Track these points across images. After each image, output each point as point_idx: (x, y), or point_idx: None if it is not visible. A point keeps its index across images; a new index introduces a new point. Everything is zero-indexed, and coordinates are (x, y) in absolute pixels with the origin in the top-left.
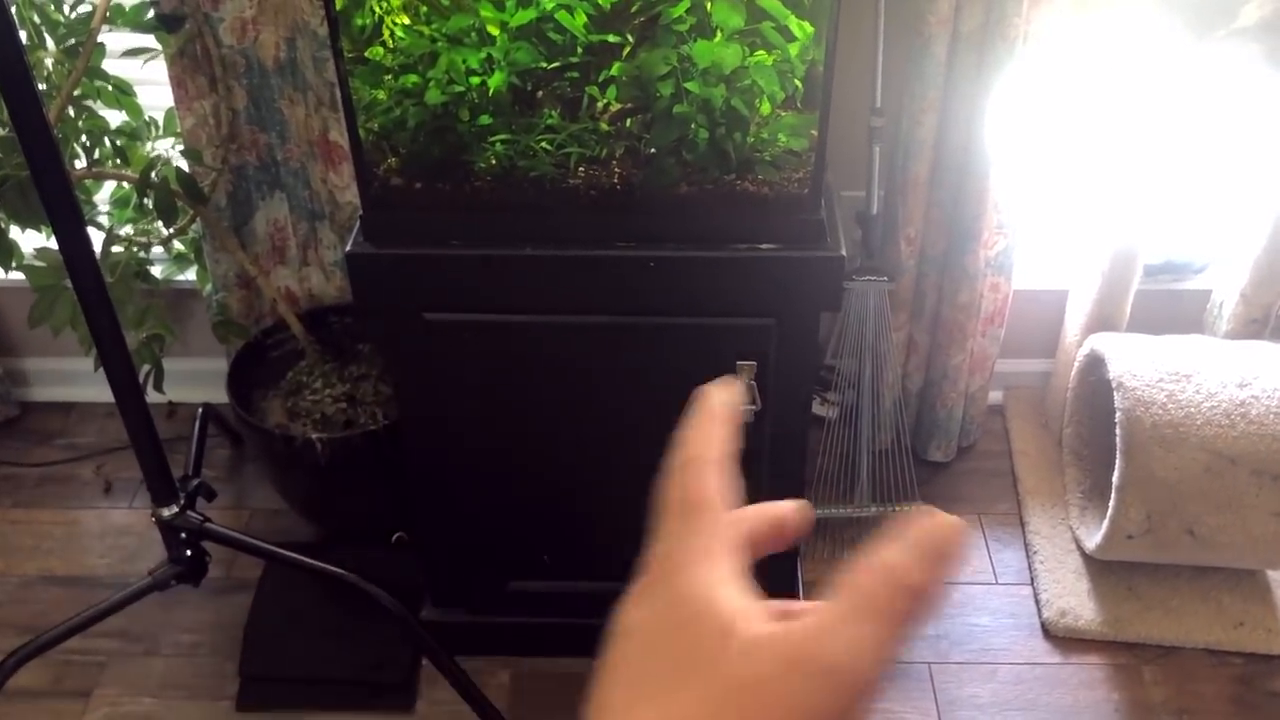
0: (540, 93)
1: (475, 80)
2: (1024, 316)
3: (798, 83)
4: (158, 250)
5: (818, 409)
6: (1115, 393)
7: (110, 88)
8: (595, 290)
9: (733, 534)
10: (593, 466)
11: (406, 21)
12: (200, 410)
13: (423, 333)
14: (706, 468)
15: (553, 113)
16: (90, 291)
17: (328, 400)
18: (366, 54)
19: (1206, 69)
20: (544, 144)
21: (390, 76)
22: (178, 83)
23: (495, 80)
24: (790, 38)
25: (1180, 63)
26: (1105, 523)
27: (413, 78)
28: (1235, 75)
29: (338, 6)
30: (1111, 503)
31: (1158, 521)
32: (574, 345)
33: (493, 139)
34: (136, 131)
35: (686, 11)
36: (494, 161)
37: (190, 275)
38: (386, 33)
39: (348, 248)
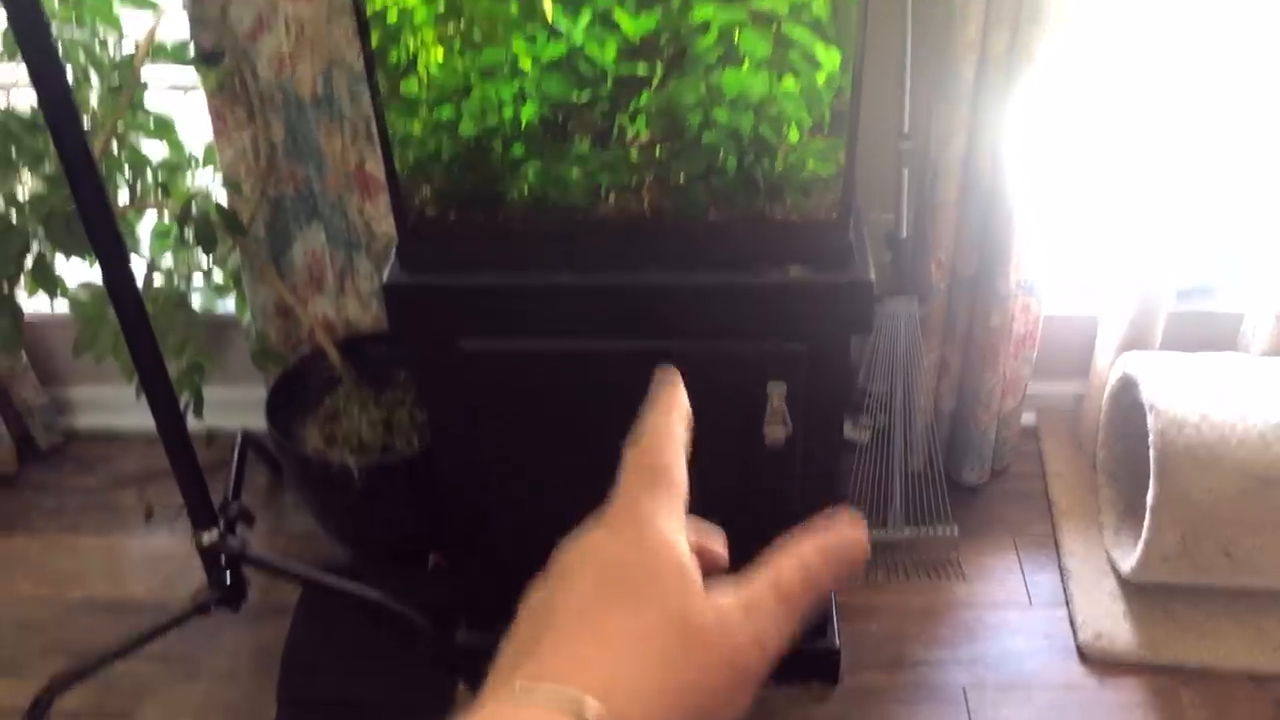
0: (571, 123)
1: (508, 112)
2: (1056, 339)
3: (825, 110)
4: (197, 280)
5: (850, 432)
6: (1148, 414)
7: (152, 122)
8: (626, 316)
9: (683, 509)
10: None
11: (441, 56)
12: (239, 437)
13: (457, 360)
14: (670, 442)
15: (584, 142)
16: (132, 321)
17: (364, 426)
18: (402, 88)
19: (1234, 92)
20: (575, 173)
21: (425, 110)
22: (217, 116)
23: (527, 112)
24: (817, 65)
25: (1208, 87)
26: (1140, 545)
27: (447, 110)
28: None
29: (374, 44)
30: (1146, 524)
31: (1193, 543)
32: (605, 370)
33: (525, 169)
34: (177, 165)
35: (714, 41)
36: (526, 191)
37: (229, 305)
38: (421, 67)
39: (384, 278)
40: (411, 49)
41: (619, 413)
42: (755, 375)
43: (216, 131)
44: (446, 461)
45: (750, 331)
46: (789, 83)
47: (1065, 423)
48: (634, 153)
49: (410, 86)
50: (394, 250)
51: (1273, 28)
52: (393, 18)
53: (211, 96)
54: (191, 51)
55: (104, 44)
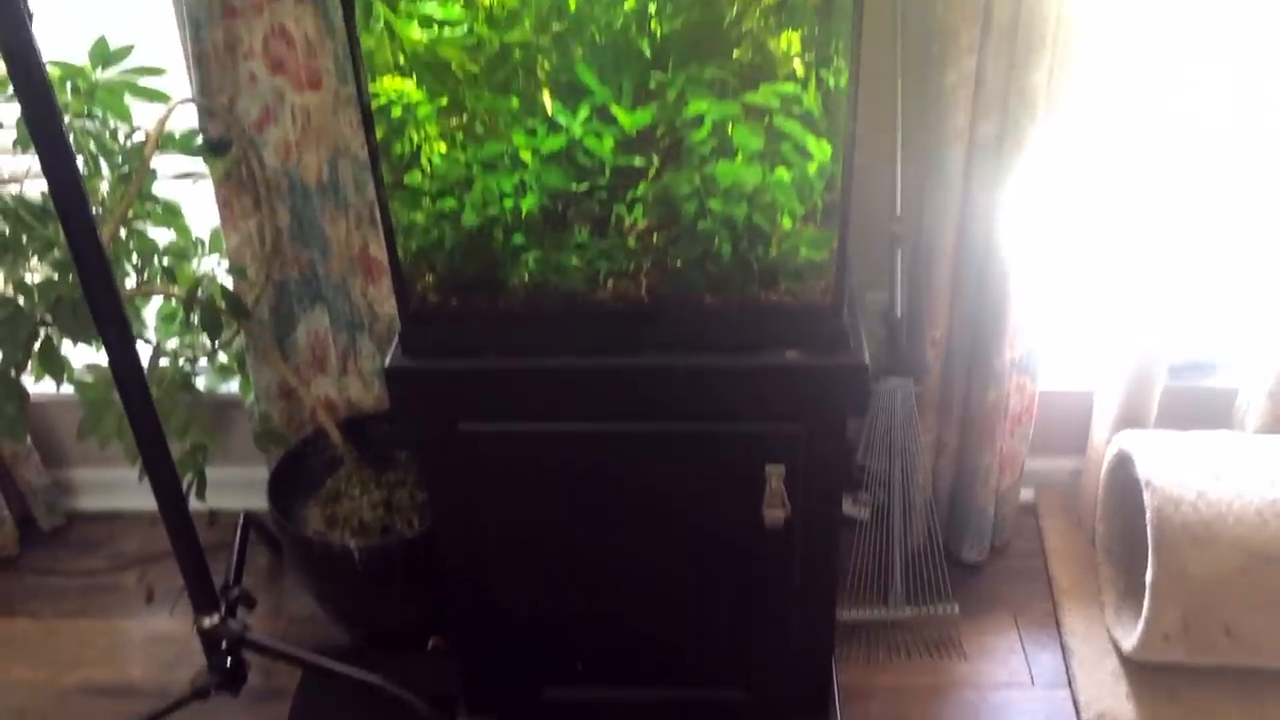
0: (570, 212)
1: (509, 203)
2: (1052, 415)
3: (817, 199)
4: (202, 362)
5: (849, 509)
6: (1144, 491)
7: (160, 209)
8: (625, 398)
9: None
10: (626, 572)
11: (444, 149)
12: (241, 518)
13: (457, 442)
14: None
15: (583, 230)
16: (137, 405)
17: (365, 507)
18: (405, 180)
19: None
20: (574, 260)
21: (428, 200)
22: (224, 203)
23: (527, 202)
24: (808, 156)
25: (1197, 167)
26: (1141, 623)
27: (450, 201)
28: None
29: (378, 137)
30: (1146, 603)
31: (1194, 622)
32: (605, 452)
33: (525, 256)
34: (184, 250)
35: (708, 135)
36: (527, 277)
37: (233, 386)
38: (424, 159)
39: (387, 362)
40: (415, 142)
41: (620, 494)
42: (753, 457)
43: (223, 218)
44: (447, 543)
45: (747, 413)
46: (781, 173)
47: (1064, 499)
48: (631, 240)
49: (414, 178)
50: (396, 335)
51: (1259, 115)
52: (396, 113)
53: (219, 184)
54: (200, 140)
55: (114, 134)
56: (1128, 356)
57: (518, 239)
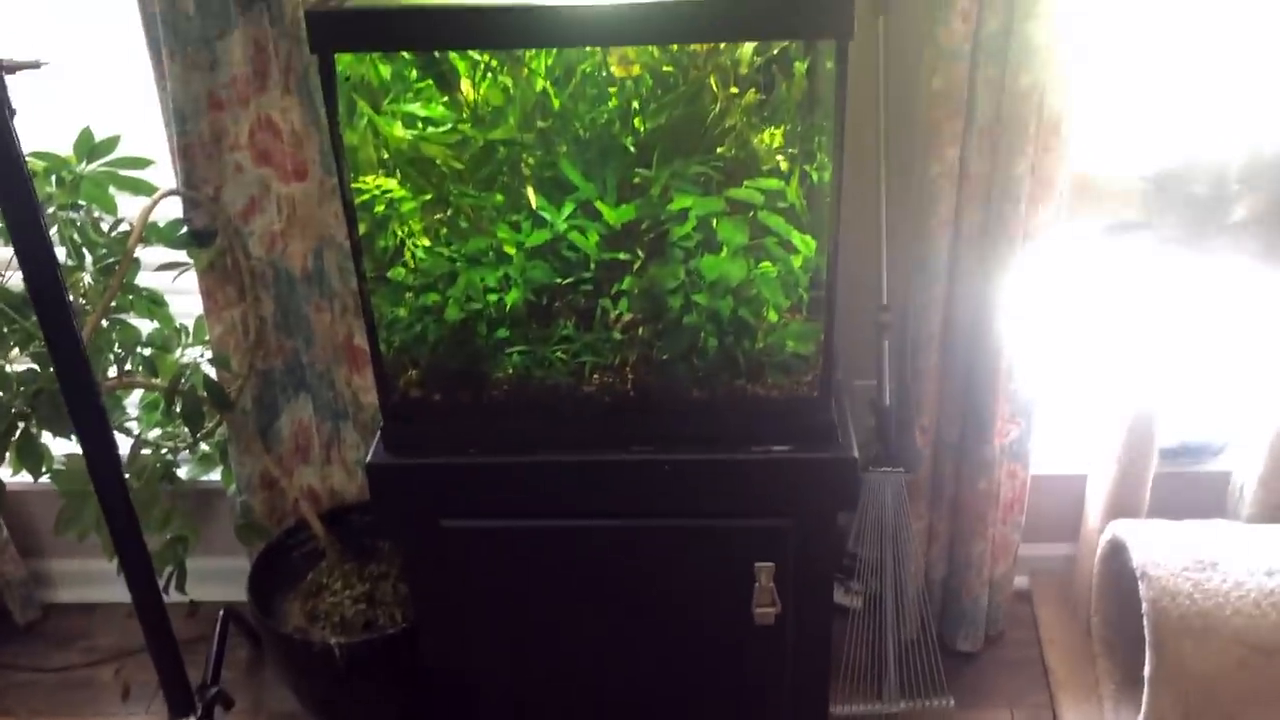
0: (555, 305)
1: (493, 298)
2: (1045, 501)
3: (802, 292)
4: (184, 452)
5: (841, 598)
6: (1140, 582)
7: (143, 299)
8: (611, 494)
9: None
10: (614, 669)
11: (427, 243)
12: (221, 613)
13: (440, 539)
14: None
15: (568, 324)
16: (113, 499)
17: (347, 602)
18: (389, 274)
19: (1206, 257)
20: (559, 354)
21: (411, 295)
22: (208, 293)
23: (511, 297)
24: (793, 250)
25: (1179, 254)
26: (1140, 718)
27: (433, 296)
28: (1234, 264)
29: (361, 231)
30: (1145, 698)
31: (1194, 717)
32: (591, 549)
33: (510, 351)
34: (167, 340)
35: (693, 229)
36: (511, 372)
37: (216, 475)
38: (408, 254)
39: (368, 458)
40: (399, 236)
41: (607, 591)
42: (742, 554)
43: (206, 309)
44: (430, 640)
45: (735, 509)
46: (767, 267)
47: (1059, 586)
48: (617, 333)
49: (397, 273)
50: (378, 431)
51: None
52: (380, 208)
53: (203, 275)
54: (184, 230)
55: (98, 225)
56: (1119, 442)
57: (501, 333)
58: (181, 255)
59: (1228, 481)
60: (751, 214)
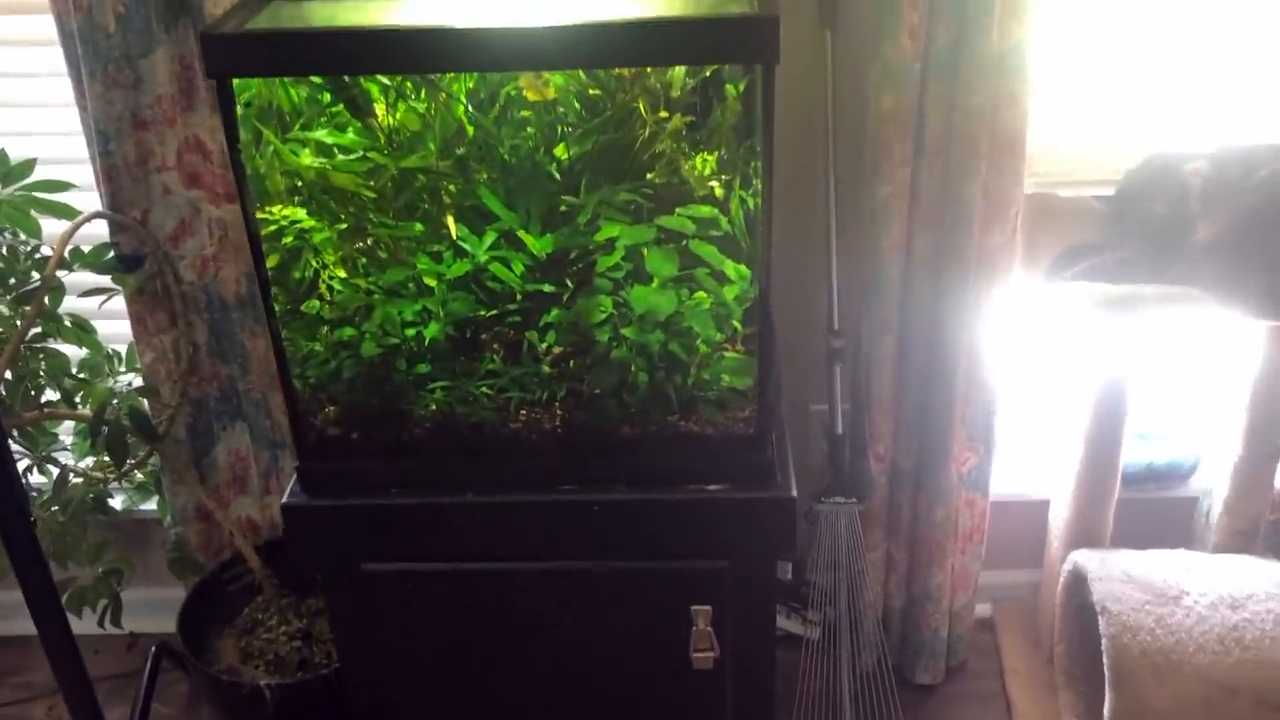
0: (482, 336)
1: (410, 332)
2: (1008, 526)
3: (736, 324)
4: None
5: (796, 628)
6: (1100, 618)
7: (70, 326)
8: (540, 536)
9: None
10: (547, 714)
11: (344, 275)
12: (153, 649)
13: (362, 583)
14: None
15: (493, 357)
16: (13, 533)
17: (282, 639)
18: (302, 307)
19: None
20: (484, 389)
21: (326, 329)
22: (137, 319)
23: (431, 331)
24: (725, 281)
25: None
26: None
27: (349, 331)
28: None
29: (270, 264)
30: None
31: None
32: (520, 592)
33: (432, 386)
34: (96, 368)
35: (622, 259)
36: (433, 409)
37: (153, 505)
38: (323, 286)
39: (284, 498)
40: (313, 267)
41: (538, 634)
42: (678, 597)
43: (136, 335)
44: (356, 683)
45: (669, 550)
46: (700, 297)
47: (1022, 614)
48: (546, 366)
49: (312, 306)
50: (294, 472)
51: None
52: (289, 240)
53: (131, 301)
54: (111, 254)
55: (14, 251)
56: (1080, 466)
57: (422, 368)
58: (109, 279)
59: (1194, 507)
60: (684, 243)
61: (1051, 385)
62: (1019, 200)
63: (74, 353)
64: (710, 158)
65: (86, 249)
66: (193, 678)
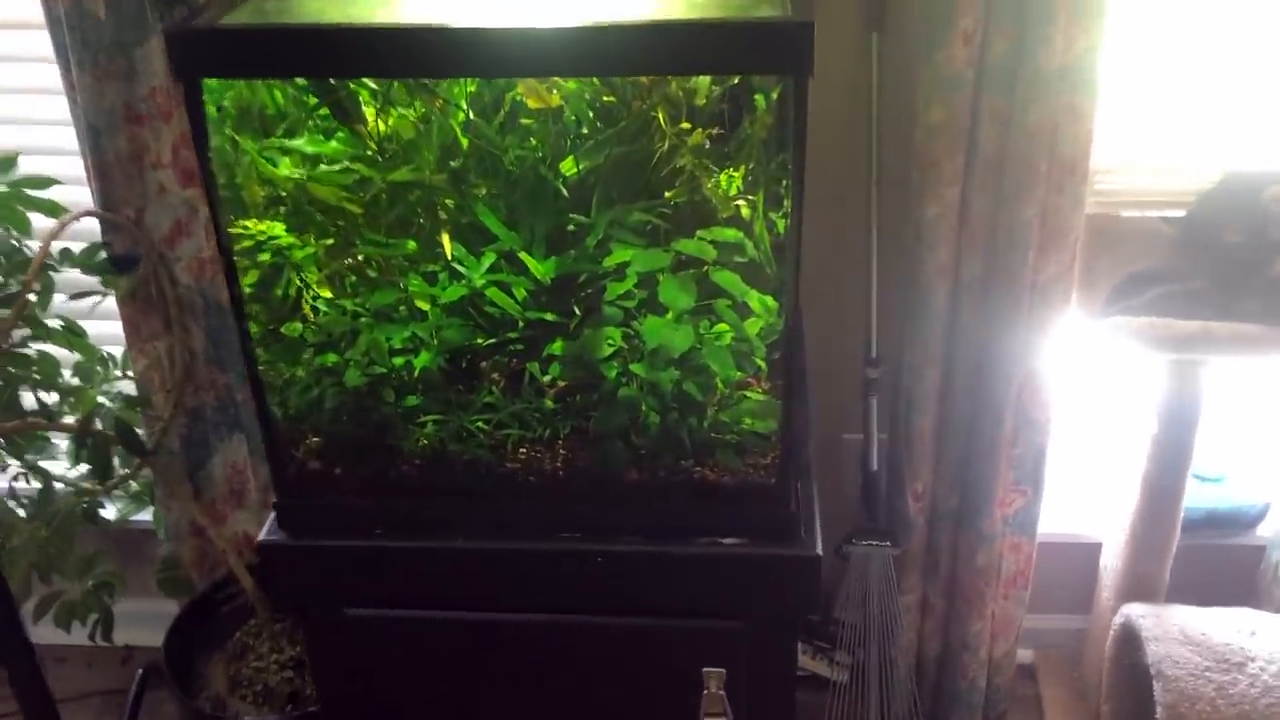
0: (482, 365)
1: (399, 361)
2: (1054, 567)
3: (759, 361)
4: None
5: (823, 670)
6: (1155, 682)
7: (60, 330)
8: (538, 587)
9: None
10: None
11: (329, 295)
12: (140, 673)
13: (344, 629)
14: None
15: (492, 389)
16: None
17: (273, 668)
18: (284, 329)
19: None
20: (480, 424)
21: (308, 354)
22: (130, 324)
23: (422, 360)
24: (749, 313)
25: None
26: None
27: (332, 356)
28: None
29: (248, 281)
30: None
31: None
32: (515, 646)
33: (422, 420)
34: (87, 374)
35: (634, 286)
36: (423, 444)
37: (149, 514)
38: (306, 306)
39: (261, 534)
40: (295, 286)
41: (533, 692)
42: (687, 657)
43: (129, 341)
44: None
45: (679, 608)
46: (723, 328)
47: (1066, 663)
48: (549, 401)
49: (293, 329)
50: (273, 507)
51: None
52: (266, 257)
53: (123, 304)
54: (103, 255)
55: (3, 249)
56: (1136, 509)
57: (412, 400)
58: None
59: (1259, 557)
60: (703, 269)
61: (1107, 419)
62: (1079, 226)
63: (70, 357)
64: (736, 175)
65: (79, 248)
66: (176, 708)
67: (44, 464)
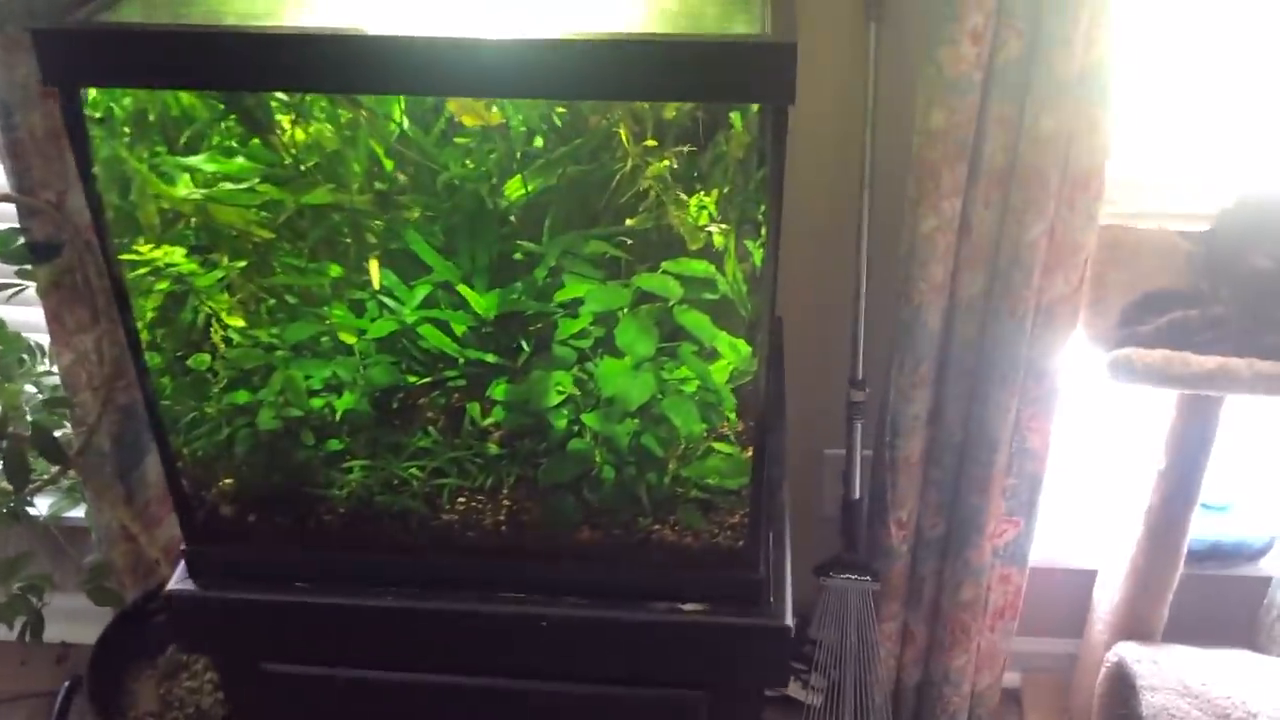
0: (419, 403)
1: (317, 402)
2: (1044, 592)
3: (729, 413)
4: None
5: (796, 693)
6: None
7: None
8: (475, 649)
9: None
10: None
11: (242, 324)
12: (64, 688)
13: (260, 682)
14: None
15: (429, 430)
16: None
17: (207, 688)
18: (190, 361)
19: None
20: (414, 470)
21: (217, 390)
22: (53, 317)
23: (344, 403)
24: (717, 356)
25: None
26: None
27: (243, 395)
28: None
29: (151, 306)
30: None
31: None
32: (451, 711)
33: (348, 465)
34: (7, 368)
35: (591, 324)
36: (348, 492)
37: (82, 511)
38: (216, 335)
39: (169, 583)
40: (202, 312)
41: None
42: None
43: (53, 334)
44: None
45: (633, 676)
46: (684, 371)
47: (1054, 690)
48: (494, 446)
49: (200, 360)
50: (181, 555)
51: None
52: (164, 284)
53: (45, 296)
54: (21, 241)
55: None
56: (1136, 540)
57: (334, 445)
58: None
59: (1262, 589)
60: (669, 306)
61: (1108, 439)
62: (1090, 245)
63: None
64: (708, 200)
65: None
66: None
67: None
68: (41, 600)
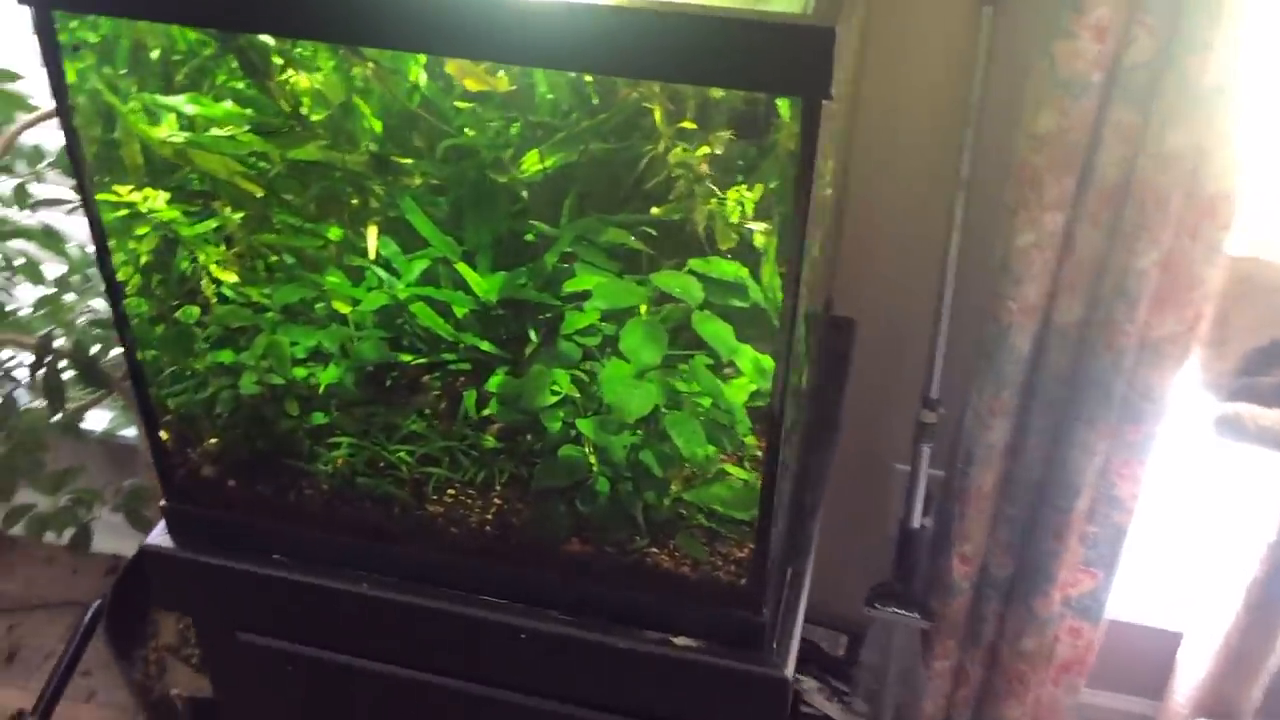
0: (410, 385)
1: (300, 372)
2: (1123, 647)
3: (743, 436)
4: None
5: (835, 714)
6: None
7: (39, 231)
8: (450, 650)
9: None
10: None
11: (234, 279)
12: (91, 611)
13: (236, 652)
14: None
15: (423, 414)
16: None
17: None
18: (179, 314)
19: None
20: (403, 454)
21: (202, 343)
22: None
23: (328, 375)
24: (736, 372)
25: None
26: None
27: (227, 354)
28: None
29: (143, 250)
30: None
31: None
32: (424, 708)
33: (333, 441)
34: (64, 284)
35: (600, 320)
36: (330, 469)
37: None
38: (208, 287)
39: (148, 537)
40: (189, 267)
41: None
42: None
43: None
44: None
45: (613, 704)
46: (695, 386)
47: None
48: (488, 440)
49: (189, 313)
50: (161, 511)
51: None
52: (144, 230)
53: None
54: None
55: None
56: (1236, 606)
57: (319, 418)
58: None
59: None
60: (690, 310)
61: (1210, 496)
62: (1212, 280)
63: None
64: (750, 195)
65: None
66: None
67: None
68: (90, 514)
